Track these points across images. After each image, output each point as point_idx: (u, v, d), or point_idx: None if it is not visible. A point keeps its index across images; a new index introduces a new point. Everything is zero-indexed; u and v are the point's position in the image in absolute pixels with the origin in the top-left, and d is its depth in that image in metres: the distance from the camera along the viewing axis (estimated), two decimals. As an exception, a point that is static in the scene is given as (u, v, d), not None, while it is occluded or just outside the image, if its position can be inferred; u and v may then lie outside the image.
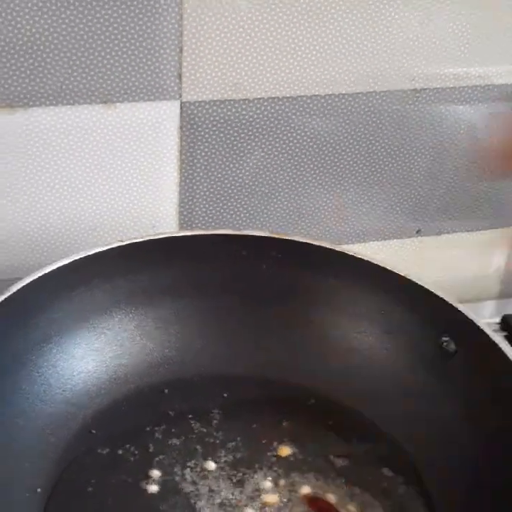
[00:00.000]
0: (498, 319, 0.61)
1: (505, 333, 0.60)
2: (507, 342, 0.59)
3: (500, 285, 0.84)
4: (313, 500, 0.55)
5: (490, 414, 0.55)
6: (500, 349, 0.54)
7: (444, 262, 0.80)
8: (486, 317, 0.64)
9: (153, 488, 0.55)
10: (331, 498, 0.55)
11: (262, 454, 0.58)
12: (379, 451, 0.59)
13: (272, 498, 0.55)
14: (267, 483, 0.56)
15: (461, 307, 0.58)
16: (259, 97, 0.67)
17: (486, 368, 0.56)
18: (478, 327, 0.56)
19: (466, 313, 0.57)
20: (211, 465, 0.57)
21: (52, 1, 0.59)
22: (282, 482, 0.56)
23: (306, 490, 0.56)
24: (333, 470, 0.57)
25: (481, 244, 0.81)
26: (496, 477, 0.53)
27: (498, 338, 0.55)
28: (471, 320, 0.57)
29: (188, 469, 0.57)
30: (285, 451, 0.58)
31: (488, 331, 0.56)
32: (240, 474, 0.56)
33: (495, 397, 0.55)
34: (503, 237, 0.81)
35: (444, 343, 0.59)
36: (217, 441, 0.59)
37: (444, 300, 0.59)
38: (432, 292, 0.59)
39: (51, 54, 0.61)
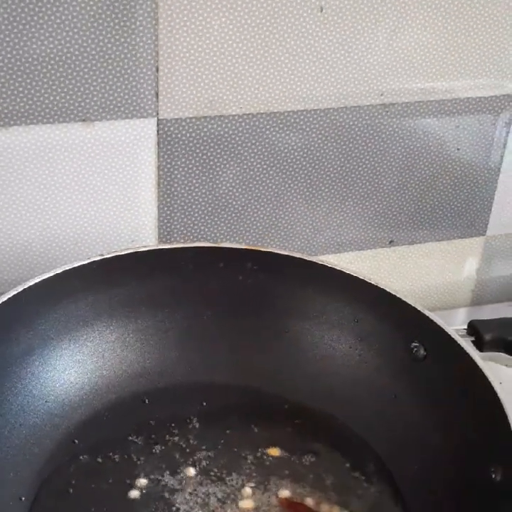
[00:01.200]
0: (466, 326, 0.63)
1: (472, 338, 0.62)
2: (474, 346, 0.61)
3: (472, 293, 0.85)
4: (291, 505, 0.56)
5: (461, 417, 0.57)
6: (466, 353, 0.56)
7: (416, 271, 0.81)
8: (457, 324, 0.65)
9: (135, 495, 0.56)
10: (309, 501, 0.57)
11: (240, 460, 0.59)
12: (353, 454, 0.60)
13: (250, 503, 0.56)
14: (246, 489, 0.57)
15: (429, 314, 0.59)
16: (234, 113, 0.68)
17: (454, 372, 0.58)
18: (445, 333, 0.58)
19: (434, 320, 0.59)
20: (191, 471, 0.58)
21: (32, 23, 0.60)
22: (260, 487, 0.57)
23: (284, 494, 0.57)
24: (309, 473, 0.59)
25: (452, 254, 0.82)
26: (469, 479, 0.54)
27: (465, 343, 0.57)
28: (439, 326, 0.58)
29: (169, 476, 0.58)
30: (274, 452, 0.60)
31: (456, 336, 0.57)
32: (219, 481, 0.58)
33: (464, 400, 0.57)
34: (474, 247, 0.82)
35: (414, 349, 0.61)
36: (197, 449, 0.60)
37: (414, 307, 0.60)
38: (402, 300, 0.61)
39: (31, 74, 0.62)
